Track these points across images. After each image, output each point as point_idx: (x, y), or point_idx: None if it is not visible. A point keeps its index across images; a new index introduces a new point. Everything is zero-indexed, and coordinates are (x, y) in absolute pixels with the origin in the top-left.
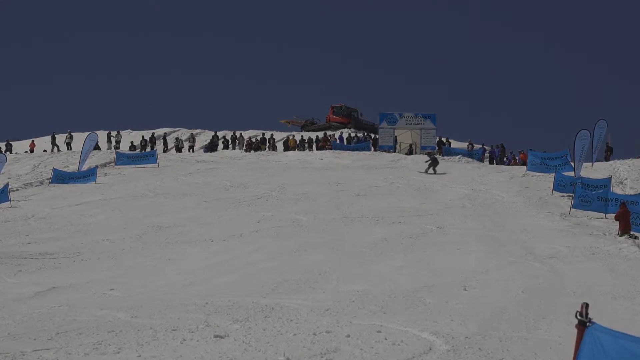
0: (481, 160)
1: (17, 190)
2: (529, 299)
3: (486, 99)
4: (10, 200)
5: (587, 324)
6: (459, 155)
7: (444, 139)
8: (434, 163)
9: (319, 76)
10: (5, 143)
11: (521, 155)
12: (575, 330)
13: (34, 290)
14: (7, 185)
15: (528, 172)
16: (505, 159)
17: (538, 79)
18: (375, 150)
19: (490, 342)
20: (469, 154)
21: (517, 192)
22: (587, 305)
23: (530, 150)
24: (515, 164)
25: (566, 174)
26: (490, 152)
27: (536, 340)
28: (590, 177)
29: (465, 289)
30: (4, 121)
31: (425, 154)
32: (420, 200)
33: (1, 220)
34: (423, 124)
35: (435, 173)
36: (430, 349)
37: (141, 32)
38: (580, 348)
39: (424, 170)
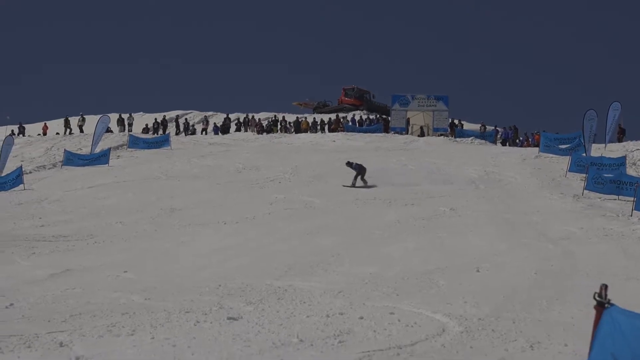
0: (494, 142)
1: (30, 173)
2: (541, 280)
3: (499, 81)
4: (24, 183)
5: (606, 305)
6: (472, 137)
7: (456, 121)
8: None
9: (331, 60)
10: (17, 126)
11: (536, 136)
12: (592, 312)
13: (47, 272)
14: (20, 168)
15: (541, 153)
16: (518, 140)
17: (550, 61)
18: (387, 132)
19: (503, 323)
20: (482, 135)
21: (530, 174)
22: (606, 286)
23: (544, 131)
24: (528, 145)
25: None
26: (502, 133)
27: (549, 322)
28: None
29: (478, 271)
30: (17, 104)
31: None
32: (433, 182)
33: (15, 203)
34: (435, 105)
35: (365, 184)
36: (444, 331)
37: (152, 15)
38: (598, 329)
39: (350, 184)
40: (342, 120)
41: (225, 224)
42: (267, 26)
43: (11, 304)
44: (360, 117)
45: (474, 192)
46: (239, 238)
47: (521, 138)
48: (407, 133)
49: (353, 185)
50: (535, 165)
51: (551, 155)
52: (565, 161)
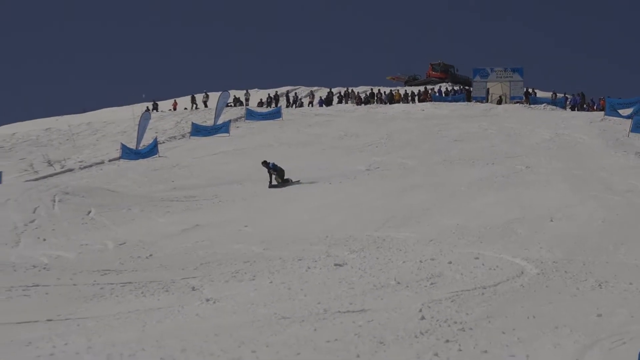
0: (564, 107)
1: (163, 143)
2: (608, 228)
3: (569, 52)
4: (159, 152)
5: None
6: (544, 104)
7: (530, 90)
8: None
9: (419, 37)
10: (152, 103)
11: (602, 101)
12: None
13: (180, 228)
14: (155, 139)
15: (606, 116)
16: (585, 105)
17: (613, 33)
18: (469, 101)
19: (574, 266)
20: (553, 102)
21: (596, 135)
22: None
23: (608, 97)
24: (594, 110)
25: None
26: (571, 100)
27: (616, 264)
28: None
29: (552, 221)
30: (152, 84)
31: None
32: (511, 144)
33: (151, 169)
34: (512, 77)
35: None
36: (522, 273)
37: None
38: None
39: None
40: (430, 91)
41: (330, 183)
42: (365, 11)
43: (150, 255)
44: (446, 88)
45: (547, 152)
46: (342, 195)
47: (588, 104)
48: (487, 101)
49: (271, 184)
50: (601, 128)
51: (615, 118)
52: (627, 123)
